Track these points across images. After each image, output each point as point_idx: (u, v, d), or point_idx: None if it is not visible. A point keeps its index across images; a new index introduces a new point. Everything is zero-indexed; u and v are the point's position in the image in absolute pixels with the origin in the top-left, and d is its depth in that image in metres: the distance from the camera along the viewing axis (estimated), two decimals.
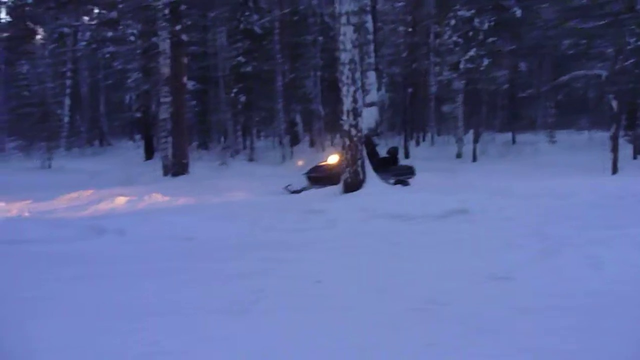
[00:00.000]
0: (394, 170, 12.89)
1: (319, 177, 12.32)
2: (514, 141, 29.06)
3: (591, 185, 11.50)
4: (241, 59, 22.55)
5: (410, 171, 13.09)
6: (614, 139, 16.22)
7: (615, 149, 15.80)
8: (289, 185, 12.64)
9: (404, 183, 12.47)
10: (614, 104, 16.87)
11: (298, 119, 28.44)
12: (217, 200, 11.17)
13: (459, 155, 23.03)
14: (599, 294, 4.56)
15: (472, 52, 21.19)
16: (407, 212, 8.55)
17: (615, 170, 15.26)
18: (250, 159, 22.85)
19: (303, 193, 11.84)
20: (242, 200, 11.30)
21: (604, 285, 4.77)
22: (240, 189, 12.80)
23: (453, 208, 8.66)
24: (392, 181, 12.39)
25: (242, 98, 22.75)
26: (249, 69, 22.50)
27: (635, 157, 19.66)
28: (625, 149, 19.30)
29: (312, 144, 29.50)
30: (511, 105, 34.09)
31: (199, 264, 6.14)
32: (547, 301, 4.47)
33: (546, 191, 10.72)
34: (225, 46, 24.47)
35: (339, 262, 6.08)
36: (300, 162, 18.86)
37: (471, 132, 23.97)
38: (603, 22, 20.51)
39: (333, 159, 12.96)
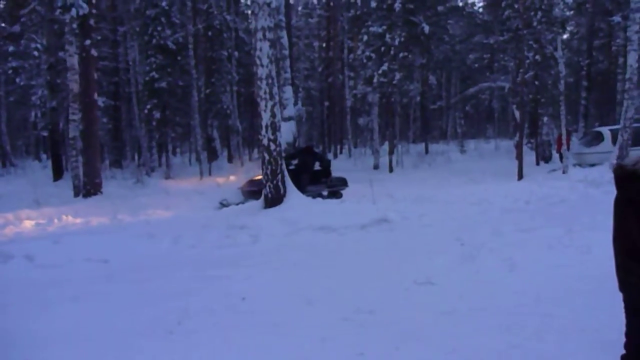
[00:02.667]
0: (327, 182, 13.04)
1: (255, 191, 12.17)
2: (427, 151, 30.21)
3: (501, 191, 12.13)
4: (155, 74, 21.98)
5: (343, 182, 13.30)
6: (519, 147, 17.20)
7: (520, 157, 16.73)
8: (224, 199, 12.43)
9: (337, 194, 12.63)
10: (517, 114, 17.91)
11: (215, 134, 28.12)
12: (135, 220, 10.77)
13: (376, 167, 23.58)
14: (517, 294, 4.80)
15: (384, 67, 21.81)
16: (330, 224, 8.61)
17: (521, 176, 16.14)
18: (167, 176, 22.24)
19: (223, 209, 11.68)
20: (162, 218, 10.97)
21: (521, 286, 5.02)
22: (158, 207, 12.43)
23: (375, 218, 8.82)
24: (325, 193, 12.52)
25: (157, 114, 22.16)
26: (163, 84, 21.97)
27: (538, 164, 20.89)
28: (529, 156, 20.51)
29: (230, 159, 29.23)
30: (423, 117, 35.45)
31: (117, 286, 5.87)
32: (470, 303, 4.64)
33: (461, 198, 11.20)
34: (137, 61, 23.80)
35: (264, 277, 6.01)
36: (232, 178, 18.69)
37: (386, 143, 24.63)
38: (504, 37, 21.86)
39: None
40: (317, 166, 13.35)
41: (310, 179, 12.48)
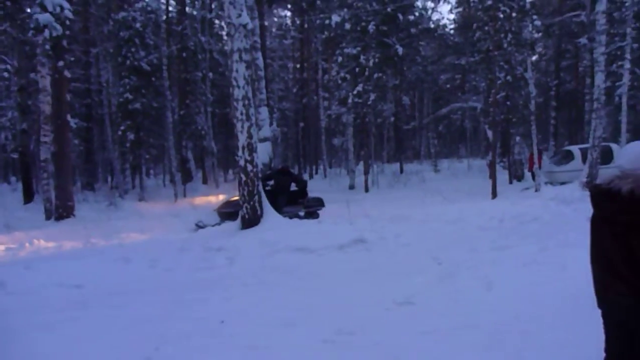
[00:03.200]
0: (304, 203, 13.01)
1: (231, 212, 12.05)
2: (401, 171, 30.46)
3: (475, 209, 12.26)
4: (129, 95, 21.80)
5: (319, 203, 13.28)
6: (492, 166, 17.47)
7: (493, 175, 16.99)
8: (200, 221, 12.29)
9: (314, 215, 12.60)
10: (489, 133, 18.25)
11: (190, 155, 27.92)
12: (109, 243, 10.57)
13: (351, 187, 23.66)
14: (496, 312, 4.83)
15: (359, 87, 22.03)
16: (308, 245, 8.58)
17: (494, 194, 16.36)
18: (141, 199, 21.95)
19: (199, 231, 11.55)
20: (136, 241, 10.79)
21: (499, 304, 5.06)
22: (132, 230, 12.24)
23: (352, 238, 8.82)
24: (302, 213, 12.47)
25: (131, 136, 21.93)
26: (137, 105, 21.77)
27: (510, 182, 21.23)
28: (502, 175, 20.84)
29: (205, 180, 29.00)
30: (397, 137, 35.81)
31: (91, 311, 5.73)
32: (449, 322, 4.65)
33: (436, 217, 11.29)
34: (111, 82, 23.61)
35: (243, 299, 5.95)
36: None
37: (361, 163, 24.77)
38: (475, 58, 22.32)
39: None
40: (293, 187, 13.33)
41: (287, 200, 12.48)
